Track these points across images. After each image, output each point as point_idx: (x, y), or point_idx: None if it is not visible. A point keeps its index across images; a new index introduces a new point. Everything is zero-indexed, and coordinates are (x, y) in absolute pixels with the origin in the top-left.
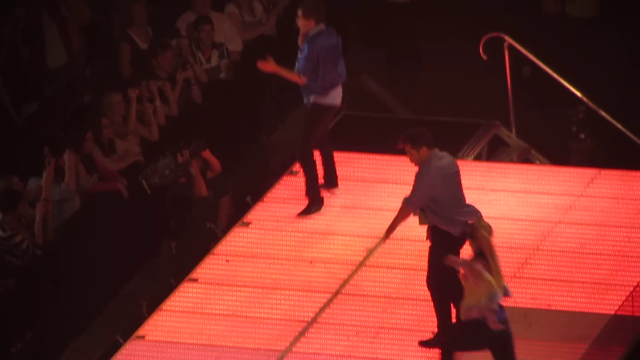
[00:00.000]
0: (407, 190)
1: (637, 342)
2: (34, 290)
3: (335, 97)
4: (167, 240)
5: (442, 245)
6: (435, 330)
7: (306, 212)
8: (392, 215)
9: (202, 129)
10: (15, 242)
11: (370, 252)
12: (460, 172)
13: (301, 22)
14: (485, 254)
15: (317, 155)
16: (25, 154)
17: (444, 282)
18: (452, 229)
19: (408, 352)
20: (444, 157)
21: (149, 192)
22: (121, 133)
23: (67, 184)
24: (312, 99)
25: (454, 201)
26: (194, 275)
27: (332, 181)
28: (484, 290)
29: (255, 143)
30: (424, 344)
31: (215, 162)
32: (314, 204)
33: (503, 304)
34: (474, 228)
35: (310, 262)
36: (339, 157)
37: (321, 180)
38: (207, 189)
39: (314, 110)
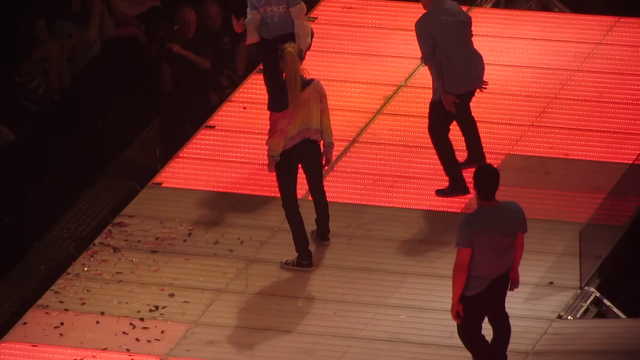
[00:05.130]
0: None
1: None
2: (50, 135)
3: None
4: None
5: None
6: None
7: None
8: (406, 61)
9: None
10: (32, 87)
11: (388, 99)
12: (475, 21)
13: None
14: (287, 78)
15: None
16: None
17: (444, 131)
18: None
19: (424, 200)
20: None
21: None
22: None
23: (90, 34)
24: None
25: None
26: (211, 122)
27: None
28: None
29: None
30: (441, 192)
31: None
32: None
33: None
34: (283, 49)
35: None
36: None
37: None
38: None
39: None
